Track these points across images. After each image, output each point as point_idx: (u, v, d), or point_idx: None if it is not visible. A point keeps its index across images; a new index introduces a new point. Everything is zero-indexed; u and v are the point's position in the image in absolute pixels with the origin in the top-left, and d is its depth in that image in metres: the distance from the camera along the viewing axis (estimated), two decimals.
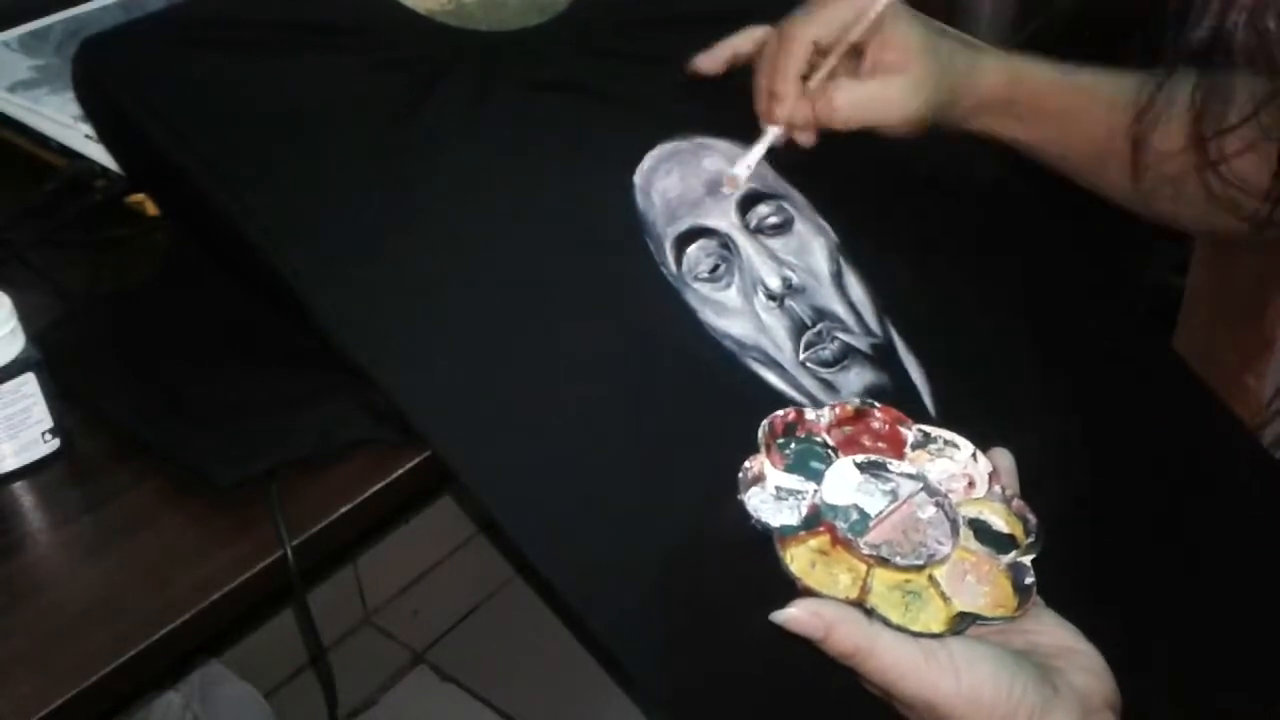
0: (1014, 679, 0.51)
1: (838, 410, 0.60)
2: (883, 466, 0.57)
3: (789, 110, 0.72)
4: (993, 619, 0.53)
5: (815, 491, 0.56)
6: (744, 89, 0.76)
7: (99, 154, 0.78)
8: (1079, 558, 0.68)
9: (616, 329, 0.66)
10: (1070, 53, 0.77)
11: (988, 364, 0.73)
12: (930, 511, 0.56)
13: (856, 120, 0.72)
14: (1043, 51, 0.78)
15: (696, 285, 0.69)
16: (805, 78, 0.72)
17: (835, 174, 0.75)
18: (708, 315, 0.68)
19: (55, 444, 0.63)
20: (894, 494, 0.56)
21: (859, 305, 0.72)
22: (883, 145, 0.74)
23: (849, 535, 0.53)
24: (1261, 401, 0.93)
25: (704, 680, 0.60)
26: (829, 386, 0.69)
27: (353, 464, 0.62)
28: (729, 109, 0.75)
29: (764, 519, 0.54)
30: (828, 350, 0.70)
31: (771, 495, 0.56)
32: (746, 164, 0.72)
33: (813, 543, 0.54)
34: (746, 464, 0.57)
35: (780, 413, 0.59)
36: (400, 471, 0.62)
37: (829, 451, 0.58)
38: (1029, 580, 0.54)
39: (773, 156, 0.74)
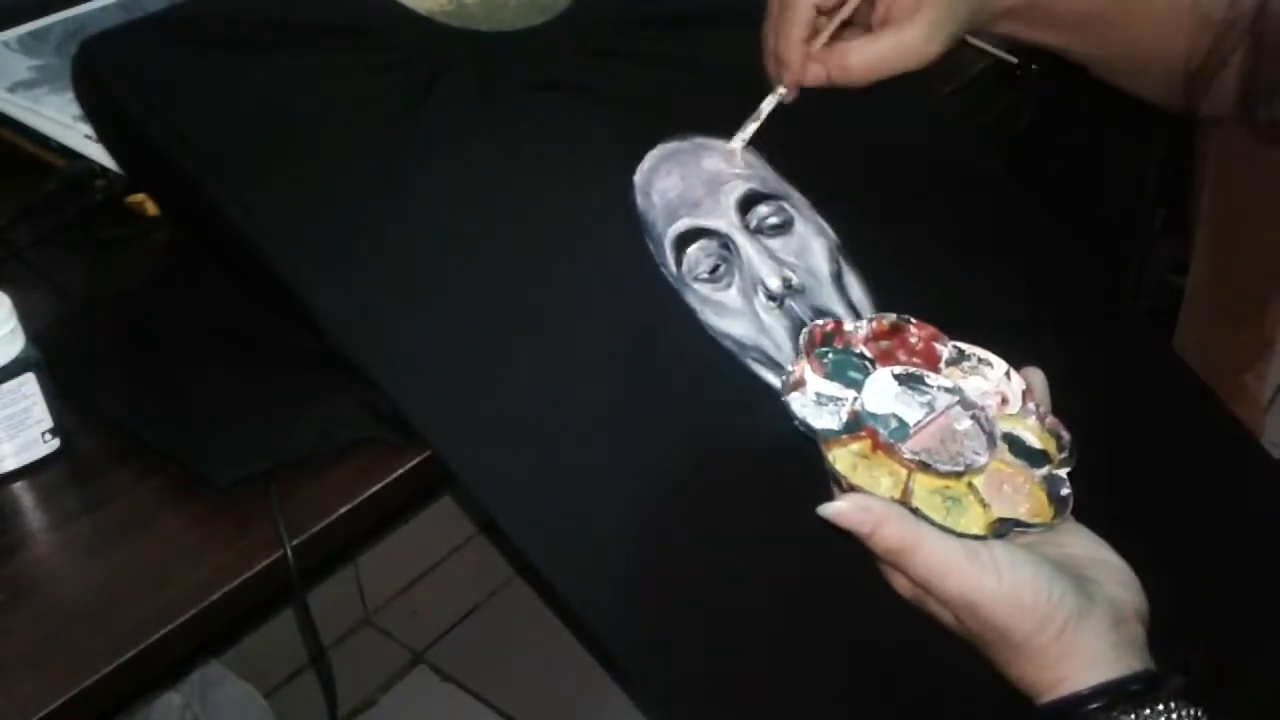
0: (1053, 584, 0.52)
1: (874, 324, 0.62)
2: (920, 379, 0.59)
3: (796, 75, 0.71)
4: (1032, 525, 0.54)
5: (855, 399, 0.58)
6: (743, 88, 0.76)
7: (99, 154, 0.78)
8: None
9: (616, 329, 0.66)
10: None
11: None
12: (967, 424, 0.58)
13: (873, 77, 0.70)
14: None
15: (696, 286, 0.69)
16: (814, 37, 0.71)
17: (835, 174, 0.75)
18: (708, 316, 0.68)
19: (55, 444, 0.63)
20: (931, 405, 0.58)
21: (859, 305, 0.72)
22: (884, 145, 0.74)
23: (890, 440, 0.55)
24: (1261, 402, 0.93)
25: (702, 680, 0.60)
26: None
27: (353, 464, 0.62)
28: (729, 109, 0.75)
29: (808, 420, 0.57)
30: None
31: (812, 400, 0.58)
32: (741, 137, 0.73)
33: (854, 446, 0.56)
34: (789, 368, 0.60)
35: (819, 322, 0.62)
36: (400, 471, 0.62)
37: (866, 363, 0.60)
38: (1065, 491, 0.56)
39: (771, 155, 0.74)
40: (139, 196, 0.78)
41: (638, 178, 0.71)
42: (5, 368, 0.60)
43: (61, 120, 0.81)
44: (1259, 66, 0.65)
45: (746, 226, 0.71)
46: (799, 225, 0.73)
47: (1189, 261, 1.22)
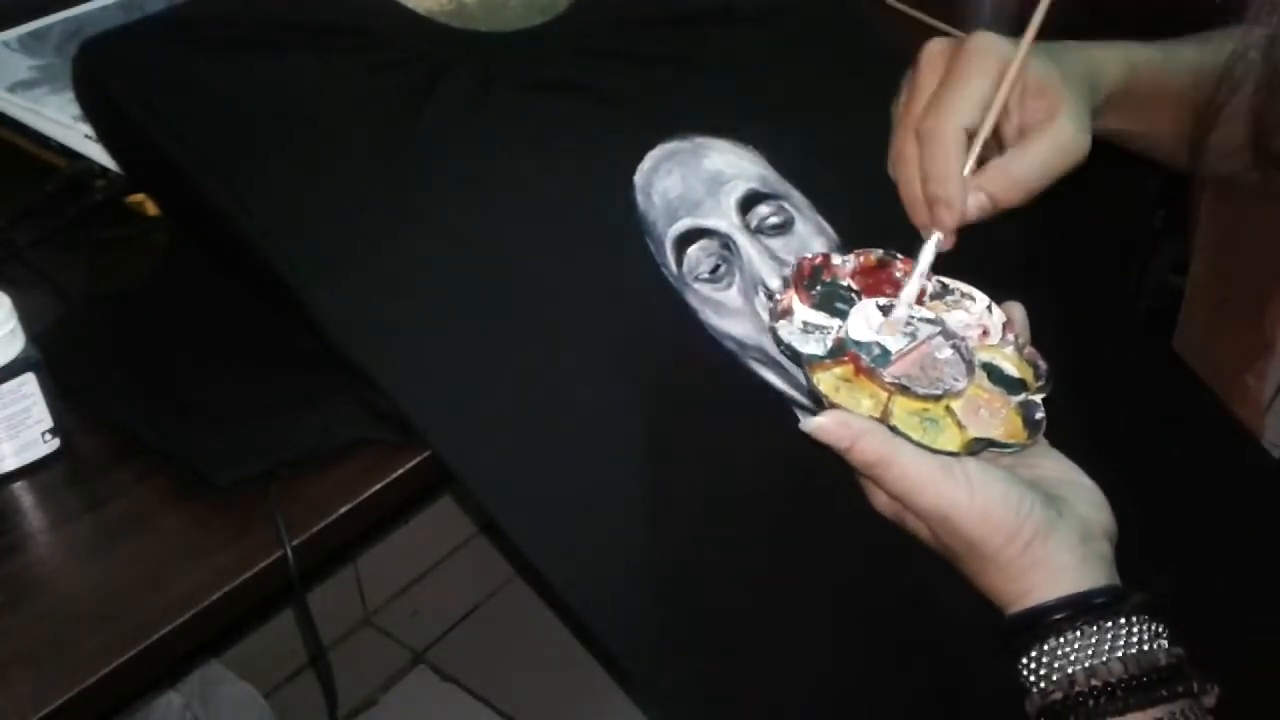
0: (1022, 499, 0.55)
1: (861, 259, 0.65)
2: None
3: (960, 213, 0.63)
4: (1006, 445, 0.57)
5: (840, 327, 0.61)
6: (743, 88, 0.76)
7: (99, 154, 0.78)
8: None
9: (616, 329, 0.66)
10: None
11: None
12: (947, 352, 0.60)
13: (1039, 187, 0.64)
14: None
15: (697, 286, 0.69)
16: None
17: (835, 173, 0.75)
18: (708, 316, 0.68)
19: (55, 444, 0.63)
20: (913, 336, 0.60)
21: None
22: (883, 144, 0.74)
23: (871, 365, 0.58)
24: (1261, 402, 0.93)
25: (703, 680, 0.60)
26: None
27: (353, 464, 0.62)
28: (729, 109, 0.75)
29: (794, 346, 0.59)
30: None
31: (799, 328, 0.61)
32: (906, 299, 0.62)
33: (837, 370, 0.59)
34: (777, 297, 0.63)
35: (808, 256, 0.65)
36: (400, 471, 0.62)
37: (853, 294, 0.63)
38: (1039, 415, 0.59)
39: (771, 155, 0.74)
40: (139, 196, 0.78)
41: (638, 178, 0.71)
42: (5, 368, 0.60)
43: (61, 120, 0.81)
44: (1274, 96, 0.64)
45: (747, 226, 0.71)
46: (799, 225, 0.73)
47: (1189, 261, 1.22)
